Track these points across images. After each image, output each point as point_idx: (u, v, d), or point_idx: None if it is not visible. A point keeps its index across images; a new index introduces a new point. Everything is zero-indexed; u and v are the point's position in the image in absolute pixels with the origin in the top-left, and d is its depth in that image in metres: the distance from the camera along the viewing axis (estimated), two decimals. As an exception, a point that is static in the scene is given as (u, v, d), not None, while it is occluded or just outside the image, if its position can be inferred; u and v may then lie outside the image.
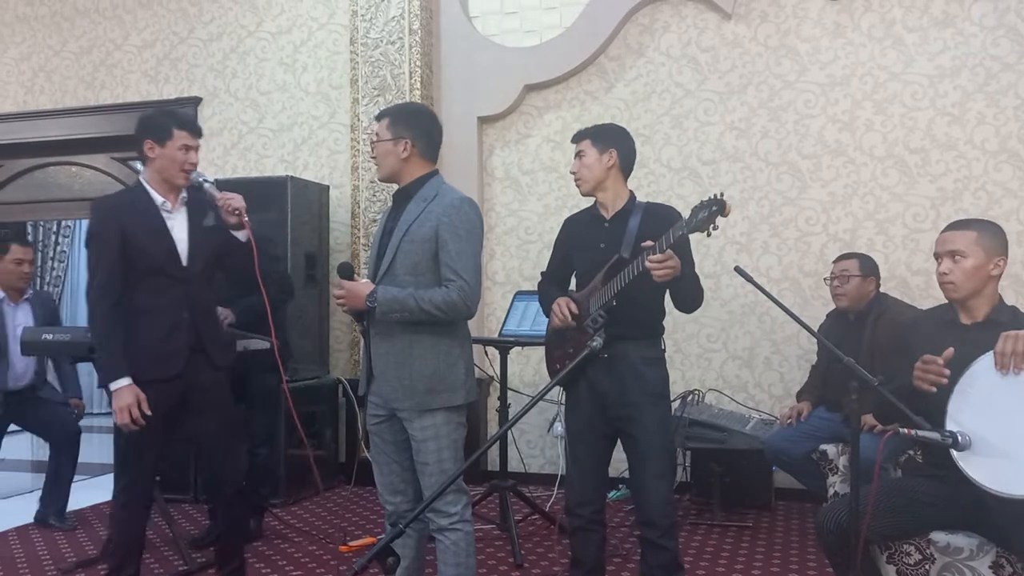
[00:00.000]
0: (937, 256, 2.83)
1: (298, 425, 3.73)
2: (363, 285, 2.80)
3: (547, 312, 3.26)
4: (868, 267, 4.31)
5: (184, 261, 3.24)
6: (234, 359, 3.54)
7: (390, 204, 3.01)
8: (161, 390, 3.17)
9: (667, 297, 3.14)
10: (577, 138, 3.21)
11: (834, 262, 4.42)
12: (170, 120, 3.27)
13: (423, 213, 2.80)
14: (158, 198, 3.23)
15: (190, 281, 3.25)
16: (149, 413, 3.11)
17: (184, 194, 3.30)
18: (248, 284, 3.50)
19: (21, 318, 4.77)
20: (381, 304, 2.74)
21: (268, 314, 3.41)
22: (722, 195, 2.75)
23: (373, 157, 2.94)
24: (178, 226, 3.26)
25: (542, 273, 3.44)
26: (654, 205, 3.21)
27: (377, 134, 2.90)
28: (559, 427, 3.42)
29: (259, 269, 3.31)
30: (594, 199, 3.21)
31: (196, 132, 3.32)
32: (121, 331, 3.15)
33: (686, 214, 2.83)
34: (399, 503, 2.93)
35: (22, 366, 4.75)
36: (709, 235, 2.78)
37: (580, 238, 3.24)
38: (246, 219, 3.25)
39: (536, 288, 3.50)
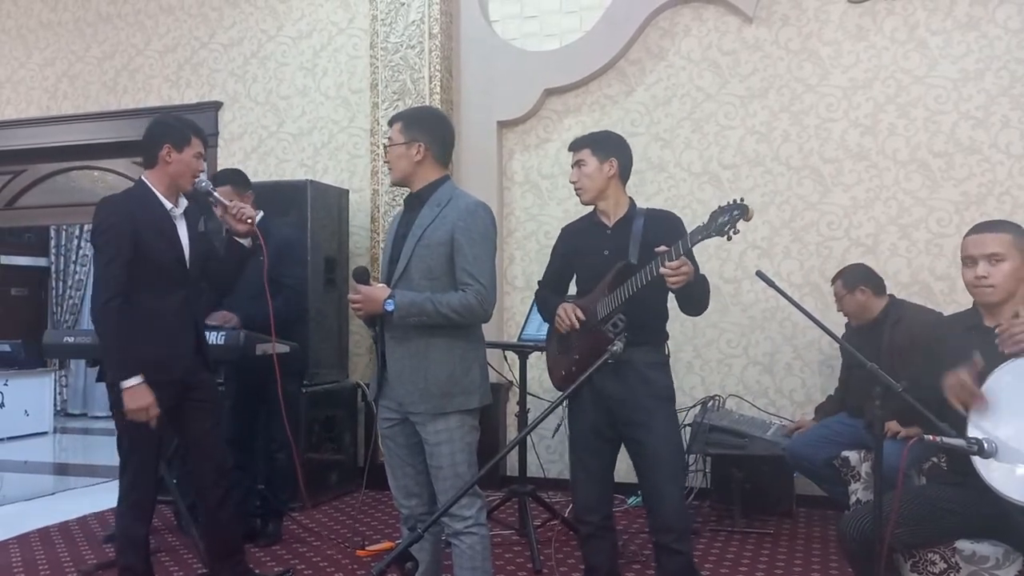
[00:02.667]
0: (970, 259, 2.73)
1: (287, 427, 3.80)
2: (380, 289, 2.79)
3: (548, 319, 3.27)
4: (852, 280, 4.29)
5: (187, 265, 3.34)
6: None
7: (400, 209, 3.01)
8: (164, 390, 3.22)
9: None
10: (575, 146, 3.18)
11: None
12: (188, 127, 3.37)
13: (437, 217, 2.81)
14: (166, 202, 3.32)
15: (190, 285, 3.37)
16: (159, 411, 3.18)
17: (184, 200, 3.40)
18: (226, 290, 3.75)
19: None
20: (399, 308, 2.73)
21: (271, 317, 3.48)
22: (742, 200, 2.74)
23: (386, 162, 2.94)
24: (181, 231, 3.36)
25: (539, 282, 3.43)
26: (655, 211, 3.22)
27: (390, 138, 2.91)
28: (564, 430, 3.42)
29: (280, 273, 3.42)
30: (593, 207, 3.21)
31: (206, 142, 3.45)
32: (128, 328, 3.20)
33: (706, 219, 2.81)
34: (414, 506, 2.92)
35: None
36: (729, 239, 2.77)
37: (581, 246, 3.22)
38: (257, 230, 3.38)
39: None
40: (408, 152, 2.86)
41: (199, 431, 3.44)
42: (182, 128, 3.34)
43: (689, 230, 2.87)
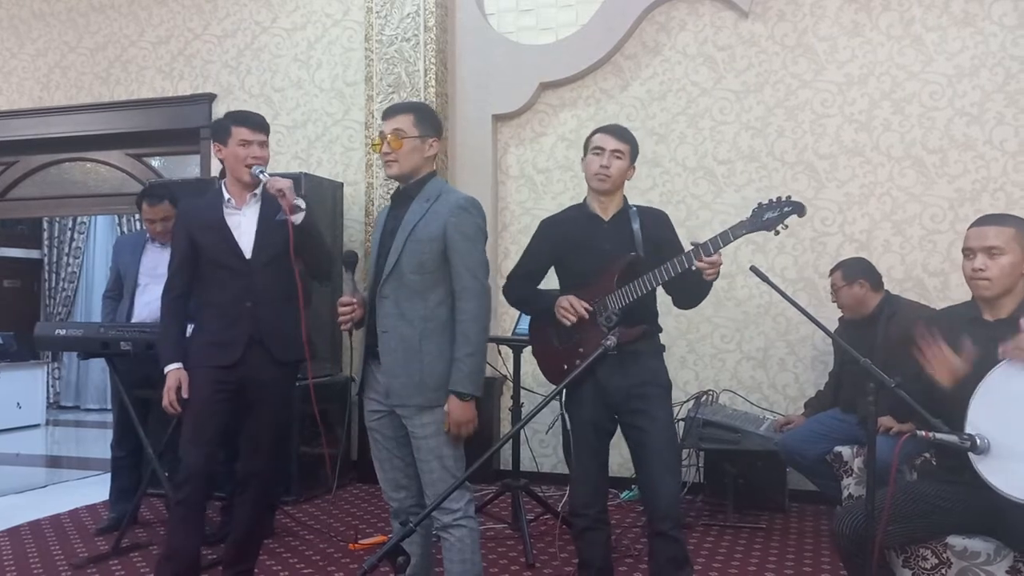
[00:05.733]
0: (969, 251, 2.73)
1: (318, 418, 3.72)
2: (466, 408, 2.78)
3: (530, 311, 3.34)
4: (852, 272, 4.29)
5: (248, 254, 3.30)
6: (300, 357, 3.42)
7: (387, 206, 3.00)
8: (218, 377, 3.22)
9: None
10: (623, 138, 3.16)
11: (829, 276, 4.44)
12: (229, 119, 3.38)
13: (428, 212, 2.81)
14: (226, 195, 3.34)
15: (253, 274, 3.30)
16: (186, 396, 3.21)
17: (256, 190, 3.37)
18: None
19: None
20: (475, 389, 2.78)
21: (300, 304, 3.39)
22: (790, 197, 2.81)
23: (387, 152, 2.84)
24: (246, 221, 3.34)
25: (510, 274, 3.36)
26: (646, 208, 3.26)
27: (400, 129, 2.83)
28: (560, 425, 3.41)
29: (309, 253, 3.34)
30: (584, 199, 3.22)
31: (255, 126, 3.36)
32: (177, 321, 3.32)
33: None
34: (403, 499, 2.93)
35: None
36: (777, 234, 2.85)
37: (576, 238, 3.19)
38: (294, 201, 3.21)
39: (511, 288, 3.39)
40: (422, 146, 2.86)
41: (255, 428, 3.38)
42: (223, 122, 3.38)
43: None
